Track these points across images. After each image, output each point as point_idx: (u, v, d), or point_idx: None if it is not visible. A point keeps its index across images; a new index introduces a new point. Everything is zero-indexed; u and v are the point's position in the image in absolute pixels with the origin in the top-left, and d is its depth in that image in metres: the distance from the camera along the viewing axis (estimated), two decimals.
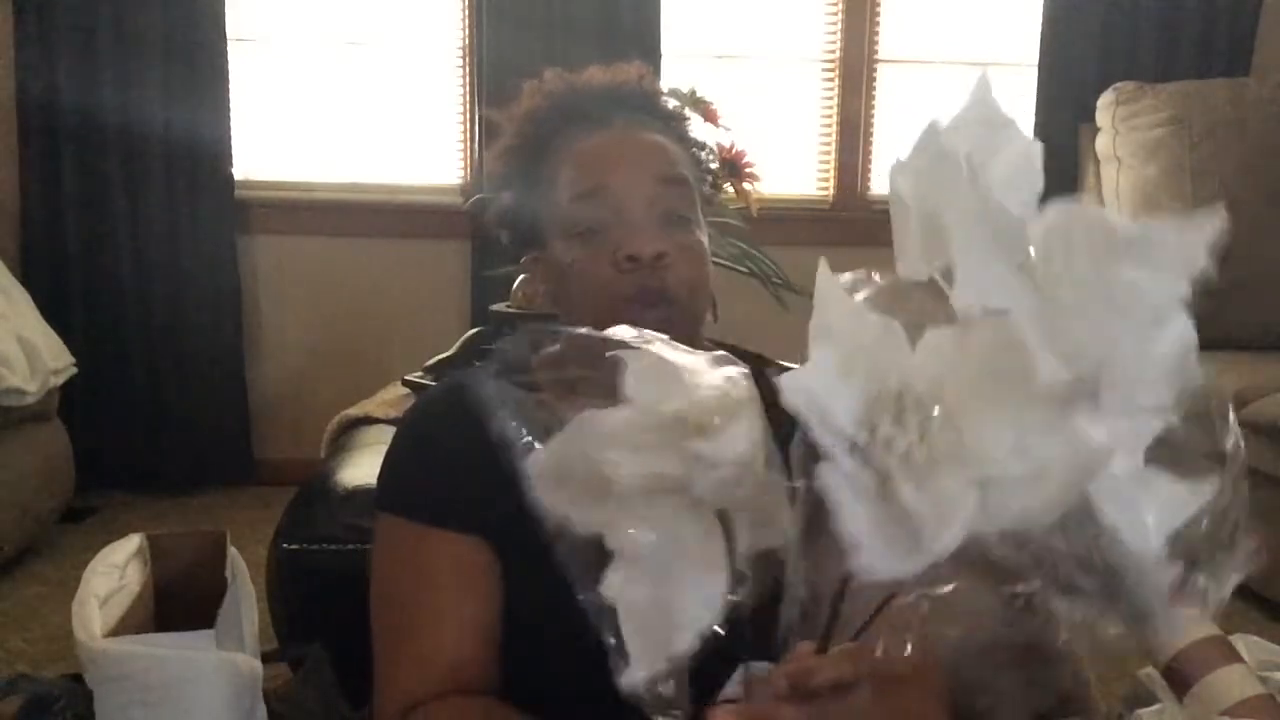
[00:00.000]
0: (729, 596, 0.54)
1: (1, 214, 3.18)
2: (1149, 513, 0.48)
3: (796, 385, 0.49)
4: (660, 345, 0.57)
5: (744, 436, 0.53)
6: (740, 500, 0.54)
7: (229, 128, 3.23)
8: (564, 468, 0.56)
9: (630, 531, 0.53)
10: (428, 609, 0.89)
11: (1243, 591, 2.85)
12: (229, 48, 3.20)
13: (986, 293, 0.47)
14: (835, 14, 3.48)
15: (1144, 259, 0.45)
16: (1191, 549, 0.50)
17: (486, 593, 0.89)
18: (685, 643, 0.53)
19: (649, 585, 0.53)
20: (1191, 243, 0.45)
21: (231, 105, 3.23)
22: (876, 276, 0.53)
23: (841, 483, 0.46)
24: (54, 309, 2.93)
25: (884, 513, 0.46)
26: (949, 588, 0.53)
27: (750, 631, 0.57)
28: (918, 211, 0.49)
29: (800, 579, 0.56)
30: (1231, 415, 0.52)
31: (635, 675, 0.54)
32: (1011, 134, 0.49)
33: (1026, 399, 0.46)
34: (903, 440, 0.46)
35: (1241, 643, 0.86)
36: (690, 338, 0.89)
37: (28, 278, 3.05)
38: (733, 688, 0.62)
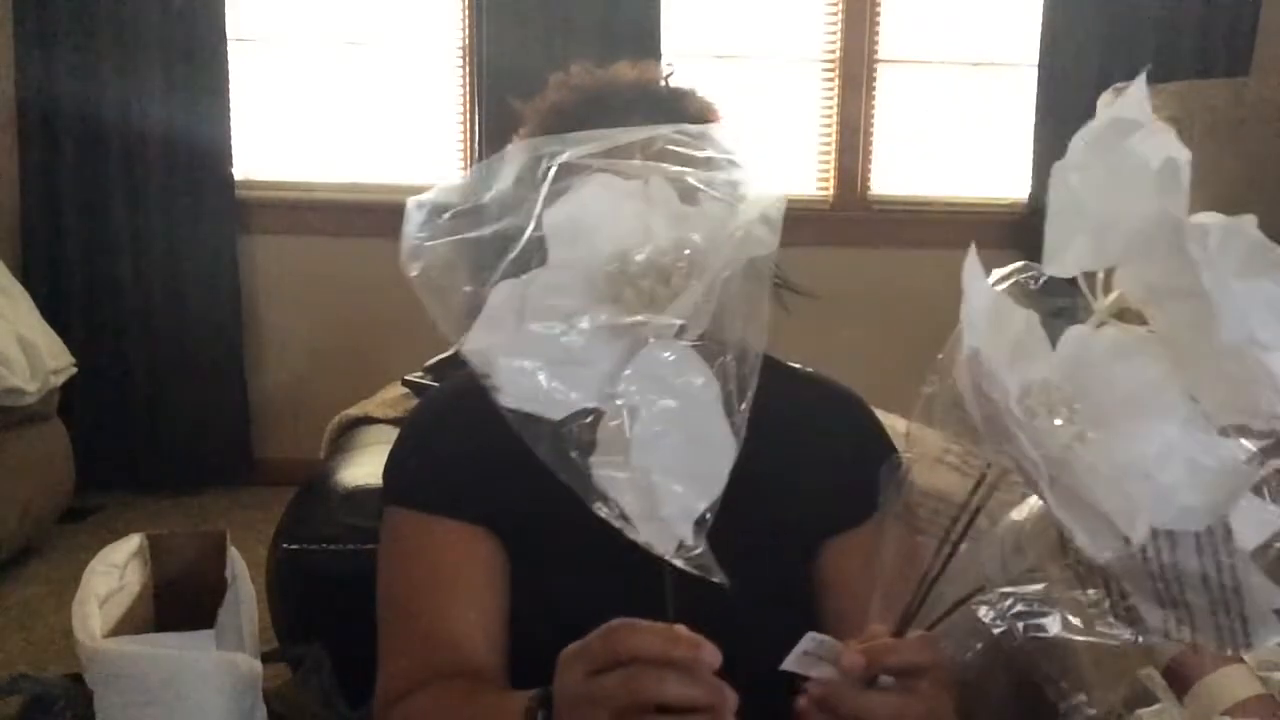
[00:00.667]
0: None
1: (1, 214, 3.18)
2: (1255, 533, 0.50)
3: None
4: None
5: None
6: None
7: (229, 128, 3.23)
8: (519, 344, 0.55)
9: (627, 386, 0.53)
10: (432, 596, 0.89)
11: None
12: (229, 48, 3.20)
13: (1153, 291, 0.49)
14: (835, 14, 3.48)
15: None
16: None
17: (492, 582, 0.89)
18: (707, 499, 0.54)
19: (662, 433, 0.53)
20: None
21: (231, 105, 3.23)
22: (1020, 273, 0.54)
23: (1026, 462, 0.48)
24: (54, 309, 2.94)
25: (1071, 496, 0.47)
26: (1037, 587, 0.54)
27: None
28: (1080, 211, 0.50)
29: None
30: None
31: (664, 541, 0.54)
32: (1165, 141, 0.50)
33: (1167, 412, 0.48)
34: (1060, 435, 0.47)
35: None
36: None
37: (28, 278, 3.05)
38: (795, 659, 0.62)
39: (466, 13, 3.36)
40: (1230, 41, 3.44)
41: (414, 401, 1.98)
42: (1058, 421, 0.48)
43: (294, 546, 1.46)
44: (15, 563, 2.62)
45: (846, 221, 3.50)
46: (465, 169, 3.44)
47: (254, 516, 2.75)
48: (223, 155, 3.24)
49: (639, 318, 0.52)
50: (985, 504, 0.55)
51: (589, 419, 0.54)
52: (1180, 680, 0.80)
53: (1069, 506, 0.48)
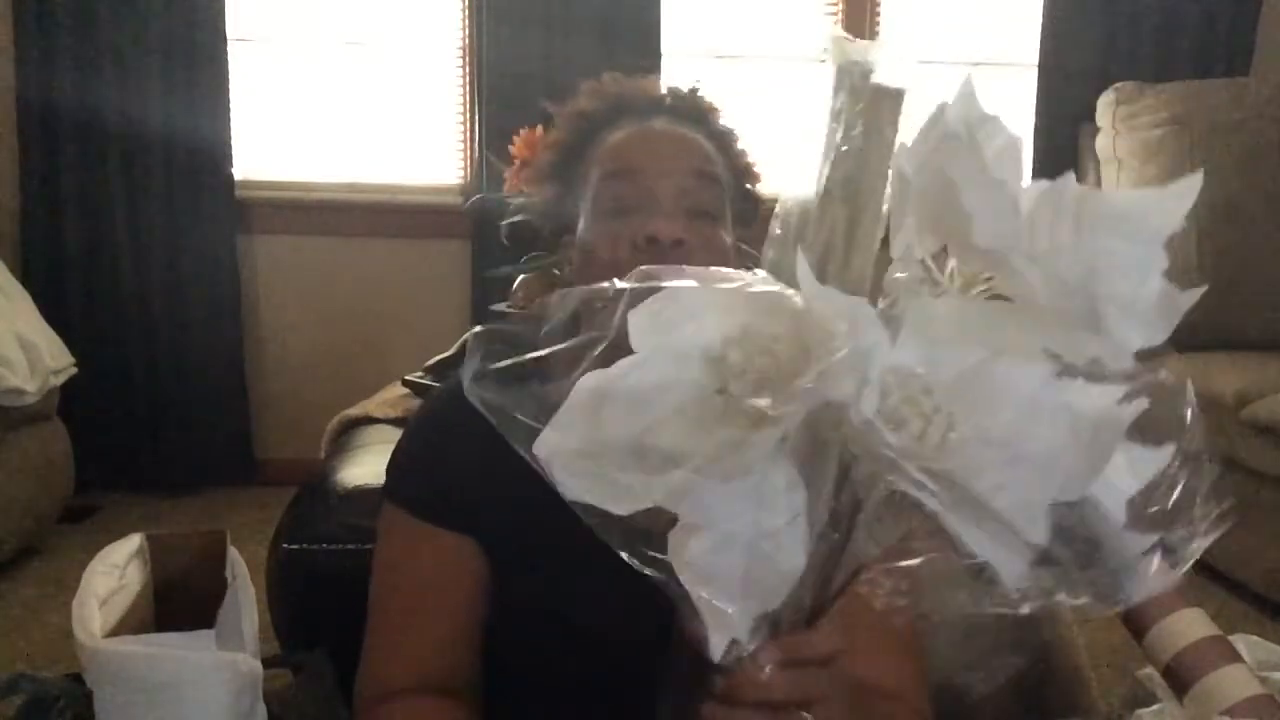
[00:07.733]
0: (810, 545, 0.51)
1: (1, 214, 3.18)
2: (1122, 478, 0.50)
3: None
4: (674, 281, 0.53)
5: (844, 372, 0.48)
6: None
7: (229, 128, 3.23)
8: (591, 442, 0.51)
9: (702, 500, 0.49)
10: (411, 605, 0.91)
11: (1243, 591, 2.82)
12: (229, 48, 3.21)
13: (986, 262, 0.49)
14: (835, 14, 3.48)
15: (1123, 229, 0.47)
16: (1160, 516, 0.51)
17: (471, 593, 0.91)
18: (775, 598, 0.51)
19: (731, 550, 0.50)
20: (1169, 210, 0.47)
21: (231, 105, 3.23)
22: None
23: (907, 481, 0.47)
24: (54, 309, 2.93)
25: (967, 510, 0.46)
26: (917, 560, 0.54)
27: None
28: (920, 192, 0.50)
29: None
30: (1190, 389, 0.54)
31: (720, 640, 0.52)
32: (996, 128, 0.50)
33: (1031, 366, 0.47)
34: (931, 433, 0.47)
35: (1242, 643, 0.86)
36: None
37: (28, 278, 3.05)
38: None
39: (466, 13, 3.36)
40: (1230, 41, 3.44)
41: (414, 402, 1.98)
42: (919, 421, 0.47)
43: (294, 546, 1.46)
44: (15, 563, 2.63)
45: None
46: (465, 169, 3.44)
47: (254, 516, 2.75)
48: (223, 155, 3.24)
49: (736, 434, 0.48)
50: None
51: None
52: (1180, 680, 0.80)
53: (969, 523, 0.47)
